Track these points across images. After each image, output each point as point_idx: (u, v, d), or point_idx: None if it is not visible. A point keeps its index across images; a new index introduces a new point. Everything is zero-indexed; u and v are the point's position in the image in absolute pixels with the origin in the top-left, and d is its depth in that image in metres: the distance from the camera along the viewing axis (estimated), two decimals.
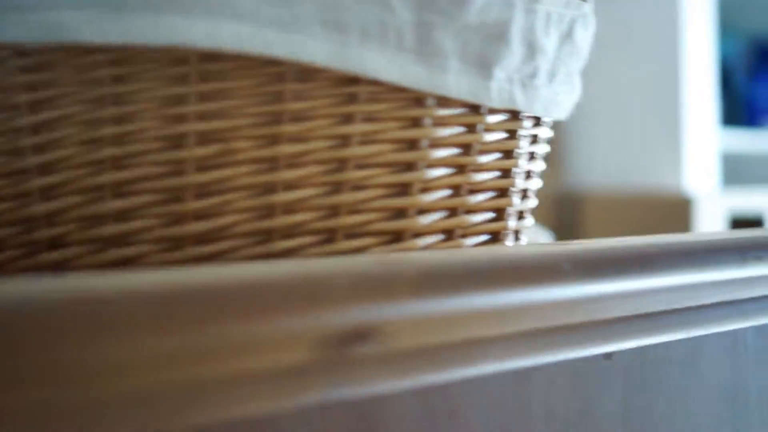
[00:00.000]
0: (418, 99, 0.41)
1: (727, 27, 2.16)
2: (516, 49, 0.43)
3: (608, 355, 0.43)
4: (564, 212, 1.48)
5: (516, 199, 0.47)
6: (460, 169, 0.43)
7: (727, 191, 1.81)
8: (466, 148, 0.43)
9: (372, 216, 0.41)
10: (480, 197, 0.44)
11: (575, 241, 0.44)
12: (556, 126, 0.52)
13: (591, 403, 0.43)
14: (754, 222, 1.71)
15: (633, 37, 1.70)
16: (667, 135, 1.70)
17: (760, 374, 0.51)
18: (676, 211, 1.56)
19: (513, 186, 0.46)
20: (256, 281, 0.32)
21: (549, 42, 0.45)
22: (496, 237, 0.46)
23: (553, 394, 0.41)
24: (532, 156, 0.48)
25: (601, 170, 1.59)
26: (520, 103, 0.44)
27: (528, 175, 0.48)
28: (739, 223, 1.67)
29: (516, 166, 0.46)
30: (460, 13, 0.40)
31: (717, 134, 1.87)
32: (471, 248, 0.42)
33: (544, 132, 0.49)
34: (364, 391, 0.34)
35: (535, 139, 0.48)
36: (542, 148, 0.50)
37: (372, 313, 0.33)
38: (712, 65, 1.83)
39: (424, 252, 0.40)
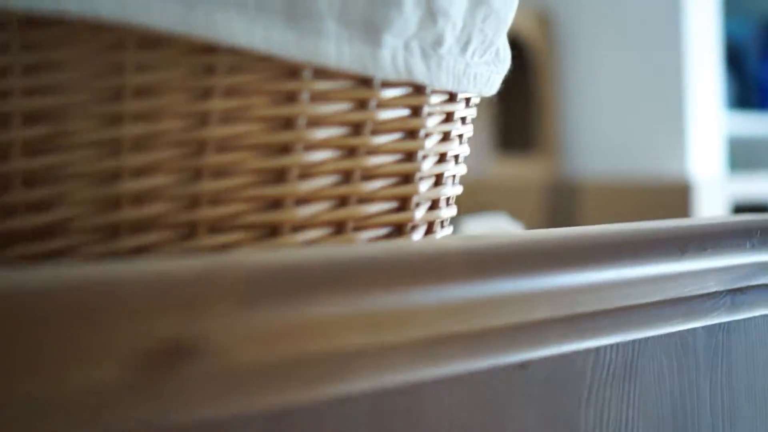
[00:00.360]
0: (291, 70, 0.35)
1: (736, 7, 2.08)
2: (410, 12, 0.37)
3: (524, 365, 0.38)
4: (560, 202, 1.42)
5: (423, 186, 0.41)
6: (350, 151, 0.38)
7: (732, 176, 1.73)
8: (357, 128, 0.37)
9: (240, 207, 0.35)
10: (377, 184, 0.39)
11: (481, 235, 0.38)
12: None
13: (504, 421, 0.37)
14: (759, 208, 1.64)
15: (634, 17, 1.63)
16: (671, 119, 1.63)
17: (713, 380, 0.45)
18: (678, 197, 1.49)
19: (418, 171, 0.40)
20: (52, 287, 0.26)
21: (454, 4, 0.39)
22: (400, 229, 0.40)
23: (456, 412, 0.36)
24: (446, 137, 0.42)
25: (600, 157, 1.52)
26: (421, 75, 0.38)
27: (442, 158, 0.42)
28: (743, 209, 1.59)
29: (421, 148, 0.40)
30: None
31: (724, 117, 1.80)
32: (328, 246, 0.36)
33: (463, 109, 0.43)
34: (193, 415, 0.28)
35: (449, 117, 0.42)
36: (462, 128, 0.44)
37: (191, 326, 0.27)
38: (719, 46, 1.76)
39: (263, 251, 0.34)
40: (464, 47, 0.41)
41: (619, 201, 1.47)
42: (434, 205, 0.43)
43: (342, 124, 0.37)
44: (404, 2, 0.36)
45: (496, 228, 0.81)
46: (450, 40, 0.39)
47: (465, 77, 0.41)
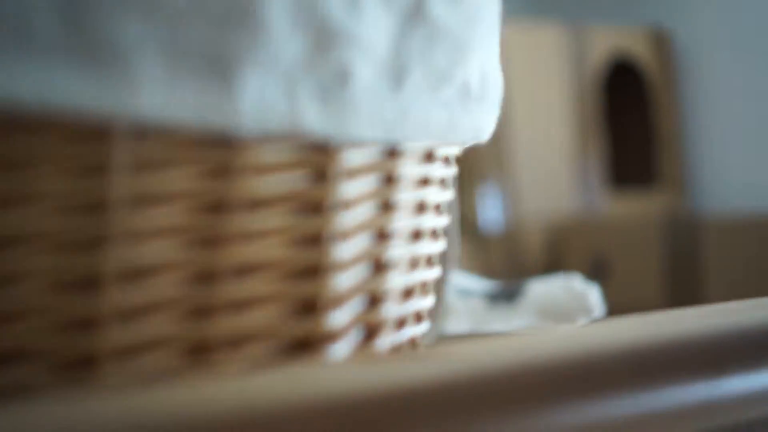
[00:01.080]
0: (98, 132, 0.24)
1: None
2: (282, 34, 0.25)
3: None
4: (682, 242, 1.26)
5: (345, 279, 0.29)
6: (206, 240, 0.26)
7: None
8: (215, 205, 0.26)
9: (31, 324, 0.24)
10: (254, 283, 0.27)
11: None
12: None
13: None
14: None
15: (764, 31, 1.46)
16: None
17: None
18: None
19: (327, 259, 0.28)
20: None
21: (364, 20, 0.27)
22: (304, 341, 0.28)
23: None
24: (387, 207, 0.30)
25: (728, 191, 1.35)
26: (313, 124, 0.27)
27: (383, 236, 0.30)
28: None
29: (328, 226, 0.28)
30: None
31: None
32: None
33: (419, 167, 0.31)
34: None
35: (390, 180, 0.30)
36: (422, 193, 0.32)
37: None
38: None
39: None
40: (397, 82, 0.29)
41: (749, 240, 1.30)
42: (375, 300, 0.30)
43: (189, 202, 0.26)
44: (269, 20, 0.25)
45: (568, 291, 0.68)
46: (366, 73, 0.28)
47: (404, 123, 0.29)
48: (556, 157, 1.28)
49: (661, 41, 1.35)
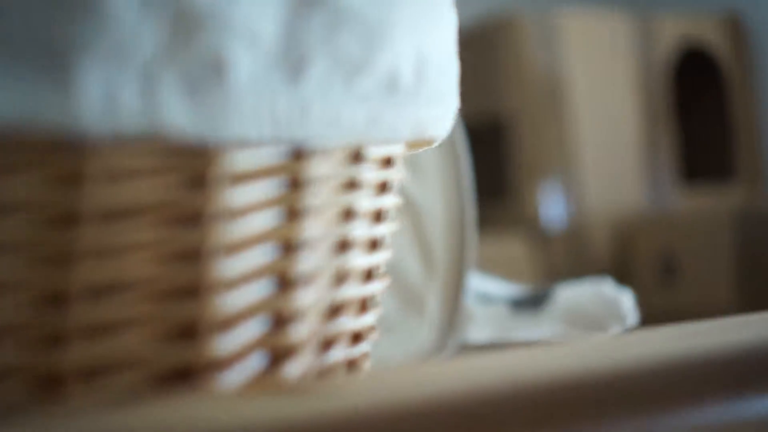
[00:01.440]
0: None
1: None
2: (130, 20, 0.22)
3: None
4: (758, 238, 1.18)
5: (237, 299, 0.25)
6: (49, 257, 0.23)
7: None
8: (62, 217, 0.23)
9: None
10: (109, 307, 0.24)
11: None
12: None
13: None
14: None
15: None
16: None
17: None
18: None
19: (208, 275, 0.25)
20: None
21: (244, 4, 0.24)
22: (186, 370, 0.25)
23: None
24: (293, 214, 0.27)
25: None
26: (180, 123, 0.23)
27: (288, 248, 0.27)
28: None
29: (208, 238, 0.25)
30: None
31: None
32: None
33: (339, 170, 0.28)
34: None
35: (295, 184, 0.27)
36: (343, 198, 0.28)
37: None
38: None
39: None
40: (293, 74, 0.25)
41: None
42: (282, 320, 0.27)
43: (30, 213, 0.22)
44: (107, 6, 0.21)
45: (598, 297, 0.63)
46: (247, 63, 0.24)
47: (304, 120, 0.26)
48: (623, 150, 1.22)
49: (734, 27, 1.28)
